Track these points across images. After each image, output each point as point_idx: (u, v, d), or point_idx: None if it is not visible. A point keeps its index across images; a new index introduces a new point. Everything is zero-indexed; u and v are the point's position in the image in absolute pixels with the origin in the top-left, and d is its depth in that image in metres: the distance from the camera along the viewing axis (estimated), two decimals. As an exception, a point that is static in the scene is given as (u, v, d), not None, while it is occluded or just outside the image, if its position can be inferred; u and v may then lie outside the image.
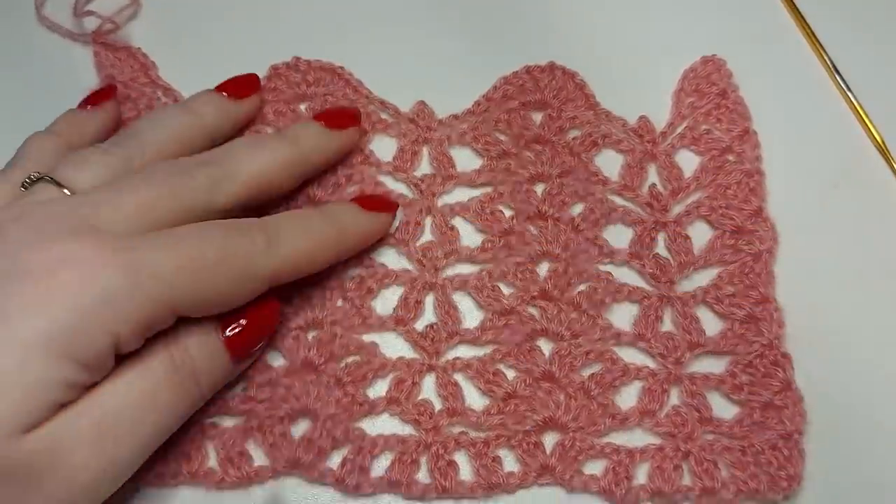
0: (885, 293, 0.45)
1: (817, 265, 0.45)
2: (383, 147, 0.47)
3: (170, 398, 0.36)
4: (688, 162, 0.48)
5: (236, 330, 0.38)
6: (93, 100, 0.45)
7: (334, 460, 0.41)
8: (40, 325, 0.32)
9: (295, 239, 0.39)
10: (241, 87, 0.46)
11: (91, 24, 0.50)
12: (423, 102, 0.48)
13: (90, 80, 0.48)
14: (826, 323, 0.44)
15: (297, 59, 0.49)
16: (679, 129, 0.48)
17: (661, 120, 0.49)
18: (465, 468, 0.41)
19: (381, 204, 0.44)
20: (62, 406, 0.32)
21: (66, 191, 0.37)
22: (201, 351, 0.37)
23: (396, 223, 0.45)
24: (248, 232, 0.37)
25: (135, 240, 0.34)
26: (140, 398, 0.35)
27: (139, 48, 0.49)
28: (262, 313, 0.39)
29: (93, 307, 0.32)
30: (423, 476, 0.41)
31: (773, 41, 0.51)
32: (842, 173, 0.48)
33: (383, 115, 0.48)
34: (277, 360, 0.42)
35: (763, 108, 0.48)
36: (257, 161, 0.41)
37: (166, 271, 0.34)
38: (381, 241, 0.45)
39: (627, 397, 0.43)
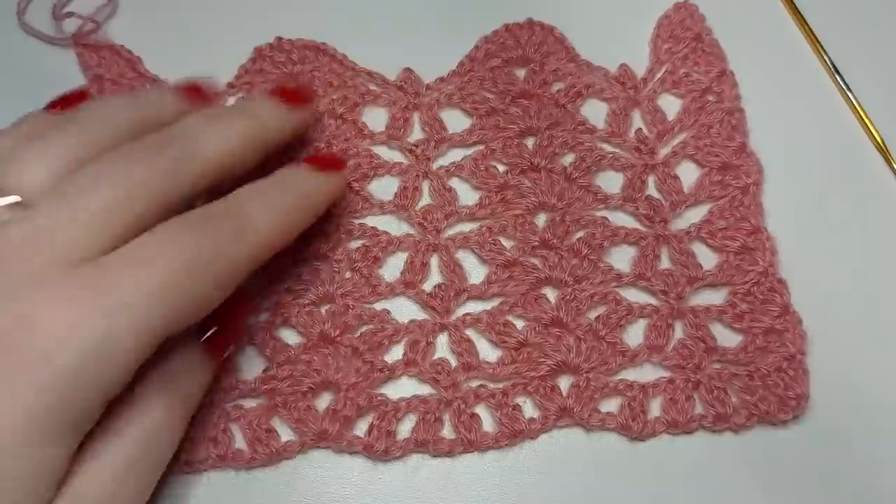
0: (886, 293, 0.45)
1: (816, 265, 0.45)
2: (375, 117, 0.47)
3: (166, 423, 0.33)
4: (670, 105, 0.48)
5: (214, 335, 0.36)
6: (64, 103, 0.39)
7: (360, 428, 0.41)
8: (29, 403, 0.28)
9: (264, 217, 0.35)
10: (196, 92, 0.41)
11: (72, 25, 0.49)
12: (409, 69, 0.47)
13: (78, 83, 0.47)
14: (825, 322, 0.43)
15: (280, 38, 0.48)
16: (659, 75, 0.48)
17: (640, 67, 0.48)
18: (488, 420, 0.41)
19: (332, 162, 0.41)
20: (62, 482, 0.30)
21: (11, 198, 0.32)
22: (183, 364, 0.35)
23: (395, 189, 0.45)
24: (216, 222, 0.34)
25: (103, 269, 0.30)
26: (139, 438, 0.32)
27: (122, 45, 0.48)
28: (232, 314, 0.37)
29: (81, 365, 0.29)
30: (447, 432, 0.41)
31: (773, 41, 0.50)
32: (842, 173, 0.47)
33: (371, 86, 0.47)
34: (294, 338, 0.42)
35: (763, 107, 0.47)
36: (219, 136, 0.36)
37: (144, 297, 0.30)
38: (382, 208, 0.45)
39: (634, 335, 0.43)
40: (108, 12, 0.50)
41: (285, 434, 0.41)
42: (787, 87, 0.49)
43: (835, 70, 0.49)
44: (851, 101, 0.48)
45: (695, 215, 0.45)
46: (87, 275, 0.30)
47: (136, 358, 0.30)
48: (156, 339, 0.31)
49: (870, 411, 0.42)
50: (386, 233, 0.44)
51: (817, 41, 0.49)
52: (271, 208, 0.36)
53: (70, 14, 0.49)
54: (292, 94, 0.41)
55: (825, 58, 0.49)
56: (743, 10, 0.51)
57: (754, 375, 0.42)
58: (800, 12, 0.50)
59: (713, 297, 0.44)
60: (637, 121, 0.47)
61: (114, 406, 0.31)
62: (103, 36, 0.49)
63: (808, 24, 0.50)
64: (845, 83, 0.48)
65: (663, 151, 0.47)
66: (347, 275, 0.43)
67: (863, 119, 0.48)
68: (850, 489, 0.41)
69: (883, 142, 0.47)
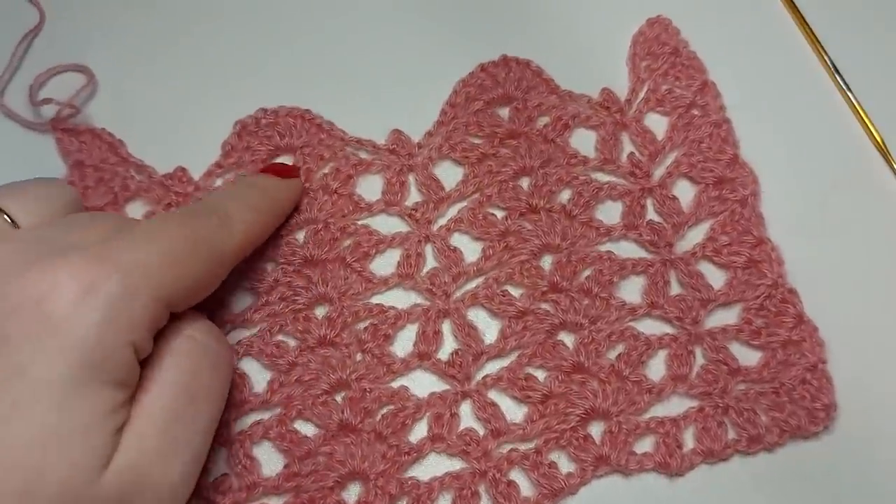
0: (886, 293, 0.39)
1: (816, 266, 0.39)
2: (369, 185, 0.40)
3: (205, 379, 0.31)
4: (657, 124, 0.41)
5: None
6: None
7: None
8: (63, 364, 0.27)
9: (243, 214, 0.35)
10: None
11: (52, 109, 0.41)
12: (398, 130, 0.40)
13: (59, 169, 0.40)
14: (824, 323, 0.38)
15: (263, 110, 0.41)
16: (642, 94, 0.41)
17: (621, 88, 0.42)
18: (525, 484, 0.35)
19: (287, 170, 0.39)
20: (119, 430, 0.28)
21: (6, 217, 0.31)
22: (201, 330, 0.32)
23: (398, 258, 0.39)
24: (205, 215, 0.33)
25: (113, 243, 0.29)
26: (183, 392, 0.30)
27: (103, 128, 0.41)
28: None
29: (104, 323, 0.27)
30: (486, 505, 0.35)
31: (773, 41, 0.44)
32: (841, 173, 0.41)
33: (362, 154, 0.40)
34: (311, 430, 0.36)
35: (763, 107, 0.42)
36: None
37: (152, 267, 0.29)
38: (386, 283, 0.38)
39: (656, 368, 0.37)
40: (86, 94, 0.42)
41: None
42: (787, 87, 0.43)
43: (835, 70, 0.43)
44: (851, 101, 0.42)
45: (697, 235, 0.39)
46: (100, 247, 0.29)
47: (151, 321, 0.29)
48: (165, 307, 0.30)
49: (887, 411, 0.37)
50: (393, 307, 0.38)
51: (817, 41, 0.43)
52: (248, 208, 0.35)
53: (48, 100, 0.42)
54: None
55: (825, 58, 0.43)
56: (743, 11, 0.44)
57: (780, 391, 0.36)
58: (800, 12, 0.44)
59: (727, 317, 0.38)
60: (627, 144, 0.41)
61: (151, 367, 0.30)
62: (83, 119, 0.42)
63: (808, 24, 0.43)
64: (845, 83, 0.42)
65: (658, 173, 0.40)
66: (359, 357, 0.37)
67: (863, 119, 0.42)
68: (881, 491, 0.36)
69: (883, 142, 0.41)
